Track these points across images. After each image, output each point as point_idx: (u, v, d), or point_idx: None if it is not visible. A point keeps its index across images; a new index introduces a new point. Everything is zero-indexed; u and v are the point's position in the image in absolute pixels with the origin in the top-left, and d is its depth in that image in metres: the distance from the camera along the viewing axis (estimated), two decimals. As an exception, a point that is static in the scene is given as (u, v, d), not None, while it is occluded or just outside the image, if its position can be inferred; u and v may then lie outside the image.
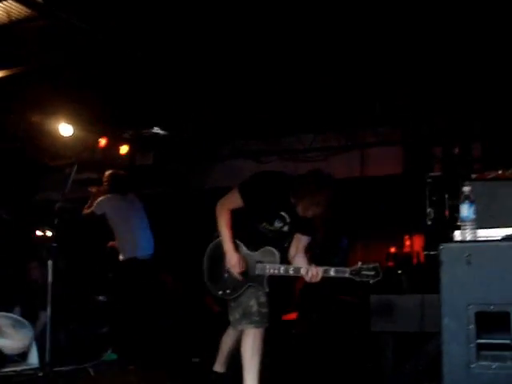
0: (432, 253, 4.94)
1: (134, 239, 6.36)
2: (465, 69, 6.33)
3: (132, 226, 6.41)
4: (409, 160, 7.67)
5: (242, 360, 3.89)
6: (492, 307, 2.74)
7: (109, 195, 6.47)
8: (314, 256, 7.76)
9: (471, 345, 2.74)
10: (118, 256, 6.41)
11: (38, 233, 8.48)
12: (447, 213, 4.91)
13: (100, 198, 6.44)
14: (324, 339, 6.46)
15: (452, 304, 2.81)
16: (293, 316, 7.90)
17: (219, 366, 4.32)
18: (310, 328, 7.26)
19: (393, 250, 8.90)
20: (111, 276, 6.85)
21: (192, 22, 5.32)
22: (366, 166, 8.83)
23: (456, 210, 4.24)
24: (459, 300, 2.79)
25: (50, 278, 5.09)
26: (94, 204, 6.43)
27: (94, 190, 6.64)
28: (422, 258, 7.51)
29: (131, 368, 5.64)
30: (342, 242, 7.54)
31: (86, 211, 6.52)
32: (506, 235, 2.93)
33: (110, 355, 5.99)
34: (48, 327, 5.02)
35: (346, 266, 7.82)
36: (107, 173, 6.63)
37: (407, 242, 8.60)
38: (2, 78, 6.23)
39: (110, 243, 6.63)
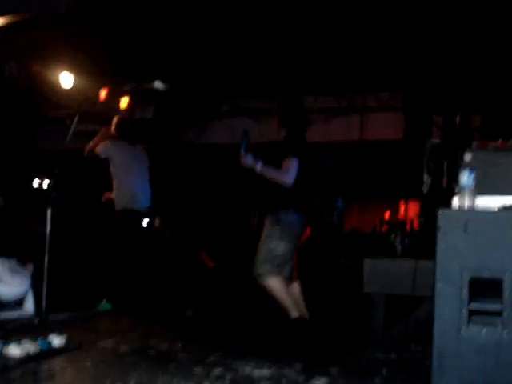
0: (426, 220, 5.01)
1: (132, 191, 6.30)
2: (466, 38, 6.32)
3: (133, 177, 6.34)
4: (409, 126, 7.67)
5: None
6: (486, 274, 2.80)
7: (117, 141, 6.39)
8: (313, 208, 7.83)
9: (463, 310, 2.80)
10: (112, 206, 6.38)
11: (36, 182, 8.50)
12: (445, 181, 4.95)
13: (107, 142, 6.34)
14: (318, 299, 6.55)
15: (446, 269, 2.86)
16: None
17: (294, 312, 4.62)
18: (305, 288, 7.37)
19: (387, 215, 8.99)
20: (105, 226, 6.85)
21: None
22: (365, 130, 8.85)
23: (453, 179, 4.29)
24: (454, 265, 2.85)
25: (48, 227, 5.13)
26: (100, 145, 6.32)
27: (103, 128, 6.55)
28: (415, 225, 7.57)
29: (125, 318, 5.73)
30: (337, 201, 7.61)
31: (90, 149, 6.39)
32: (504, 205, 2.96)
33: (104, 305, 6.06)
34: (45, 275, 5.08)
35: (341, 224, 7.94)
36: (116, 118, 6.54)
37: (402, 209, 8.67)
38: (2, 25, 6.15)
39: (106, 195, 6.58)
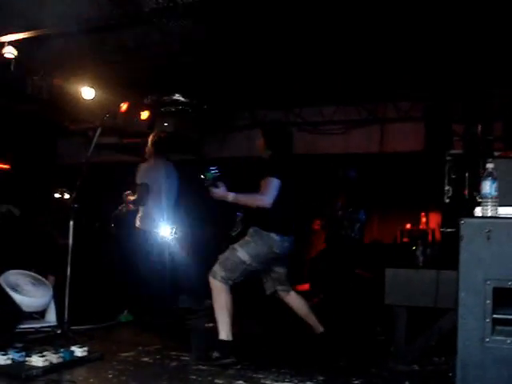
0: (448, 230, 4.97)
1: (154, 217, 6.29)
2: (487, 46, 6.28)
3: (157, 203, 6.31)
4: (430, 137, 7.62)
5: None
6: (510, 283, 2.77)
7: (150, 162, 6.39)
8: (332, 221, 7.81)
9: (487, 319, 2.78)
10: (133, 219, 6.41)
11: (57, 195, 8.55)
12: (466, 191, 4.92)
13: (140, 168, 6.35)
14: (337, 311, 6.52)
15: (470, 279, 2.84)
16: (305, 287, 7.99)
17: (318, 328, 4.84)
18: (323, 300, 7.34)
19: (408, 226, 8.94)
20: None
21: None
22: (385, 142, 8.82)
23: (475, 189, 4.26)
24: (477, 275, 2.82)
25: (70, 239, 5.17)
26: (138, 172, 6.34)
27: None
28: (437, 236, 7.51)
29: (146, 330, 5.74)
30: (360, 214, 7.57)
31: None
32: (527, 213, 2.94)
33: (126, 316, 6.09)
34: (67, 286, 5.11)
35: (362, 236, 7.91)
36: (152, 136, 6.56)
37: (423, 219, 8.61)
38: (27, 39, 6.23)
39: (127, 193, 6.55)
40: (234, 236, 4.78)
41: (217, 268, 4.58)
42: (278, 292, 4.92)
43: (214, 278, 4.55)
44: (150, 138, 6.53)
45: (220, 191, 4.53)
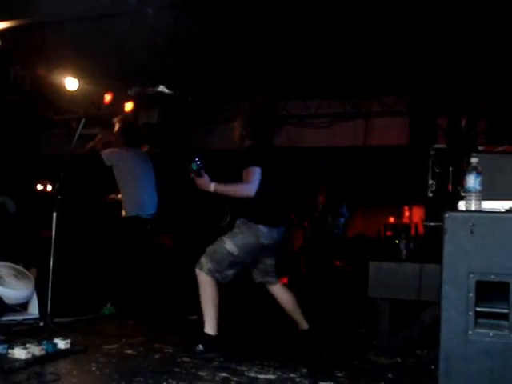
0: (432, 224, 5.00)
1: (138, 198, 6.33)
2: (472, 42, 6.31)
3: (138, 185, 6.36)
4: (414, 131, 7.66)
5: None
6: (493, 277, 2.79)
7: (123, 148, 6.37)
8: (314, 219, 7.86)
9: (470, 312, 2.80)
10: (118, 210, 6.40)
11: (39, 186, 8.50)
12: (450, 185, 4.95)
13: (113, 150, 6.34)
14: (317, 304, 6.54)
15: (453, 272, 2.86)
16: (283, 280, 8.01)
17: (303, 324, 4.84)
18: (302, 293, 7.36)
19: (392, 219, 9.00)
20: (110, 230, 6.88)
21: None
22: (370, 135, 8.84)
23: (459, 183, 4.28)
24: (461, 268, 2.84)
25: (53, 231, 5.13)
26: (105, 153, 6.31)
27: (103, 131, 6.51)
28: (420, 229, 7.57)
29: (130, 323, 5.73)
30: (343, 209, 7.60)
31: (90, 147, 6.44)
32: (510, 207, 2.96)
33: (108, 309, 6.06)
34: (50, 279, 5.08)
35: (345, 231, 7.94)
36: (119, 121, 6.50)
37: (406, 213, 8.68)
38: (9, 28, 6.17)
39: (110, 196, 6.59)
40: (223, 227, 4.74)
41: (204, 260, 4.54)
42: (263, 283, 4.90)
43: (201, 269, 4.51)
44: (117, 126, 6.47)
45: (203, 181, 4.50)
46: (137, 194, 6.35)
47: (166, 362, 4.26)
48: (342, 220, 7.58)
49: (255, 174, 4.47)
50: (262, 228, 4.54)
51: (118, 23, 6.15)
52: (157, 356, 4.41)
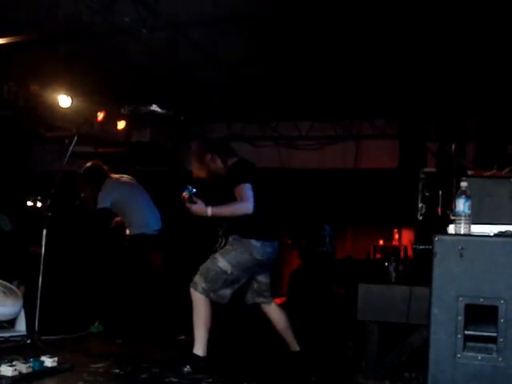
0: (421, 247, 5.02)
1: (141, 216, 6.33)
2: (461, 66, 6.40)
3: (137, 204, 6.38)
4: (404, 154, 7.72)
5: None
6: (481, 300, 2.81)
7: (107, 183, 6.35)
8: (301, 245, 7.88)
9: (459, 335, 2.81)
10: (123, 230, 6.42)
11: (29, 203, 8.46)
12: (439, 209, 4.98)
13: (100, 193, 6.28)
14: (309, 326, 6.53)
15: (442, 295, 2.87)
16: (279, 301, 7.99)
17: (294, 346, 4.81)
18: (297, 315, 7.35)
19: (381, 242, 9.02)
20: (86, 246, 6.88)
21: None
22: (360, 158, 8.90)
23: (448, 207, 4.31)
24: (450, 291, 2.86)
25: (42, 248, 5.11)
26: (98, 200, 6.27)
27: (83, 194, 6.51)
28: (409, 252, 7.58)
29: (118, 341, 5.70)
30: (324, 230, 7.62)
31: (93, 208, 6.34)
32: (499, 231, 2.99)
33: (96, 327, 6.03)
34: (38, 296, 5.05)
35: (333, 253, 7.94)
36: (88, 167, 6.46)
37: (396, 236, 8.70)
38: (3, 45, 6.19)
39: (116, 219, 6.60)
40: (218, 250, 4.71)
41: (198, 279, 4.50)
42: (257, 304, 4.85)
43: (196, 289, 4.47)
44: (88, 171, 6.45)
45: (198, 207, 4.47)
46: (138, 212, 6.34)
47: (153, 381, 4.23)
48: (327, 239, 7.59)
49: (248, 191, 4.45)
50: (255, 242, 4.51)
51: (113, 42, 6.20)
52: (144, 375, 4.37)
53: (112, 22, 5.61)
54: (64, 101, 7.31)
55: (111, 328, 6.02)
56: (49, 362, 4.22)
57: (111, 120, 8.20)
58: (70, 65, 6.77)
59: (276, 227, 4.86)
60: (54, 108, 7.43)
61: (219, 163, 4.83)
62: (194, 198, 4.45)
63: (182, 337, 5.88)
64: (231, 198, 4.53)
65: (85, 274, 6.85)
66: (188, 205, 4.47)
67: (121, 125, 8.31)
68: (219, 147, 4.88)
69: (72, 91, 7.36)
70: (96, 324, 6.04)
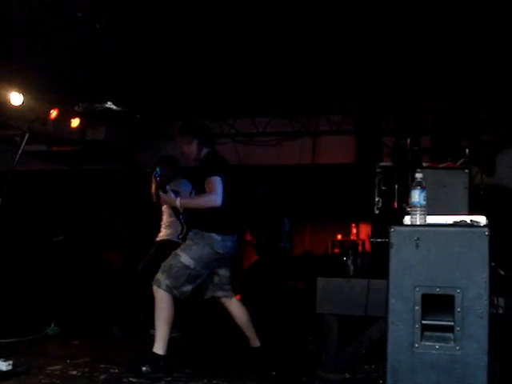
0: (378, 240, 5.06)
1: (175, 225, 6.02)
2: (417, 61, 6.47)
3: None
4: (361, 149, 7.78)
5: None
6: (438, 290, 2.83)
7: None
8: (259, 241, 7.85)
9: (416, 325, 2.83)
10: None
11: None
12: (395, 203, 5.03)
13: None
14: (267, 321, 6.53)
15: (399, 285, 2.89)
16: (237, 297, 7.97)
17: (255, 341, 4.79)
18: (254, 311, 7.34)
19: (339, 237, 9.08)
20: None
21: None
22: (317, 154, 8.94)
23: (404, 200, 4.35)
24: (406, 282, 2.88)
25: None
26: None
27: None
28: (367, 246, 7.65)
29: (75, 343, 5.61)
30: (284, 225, 7.62)
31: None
32: (454, 221, 3.02)
33: (53, 329, 5.92)
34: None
35: (291, 248, 7.94)
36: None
37: (354, 230, 8.76)
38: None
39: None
40: (181, 239, 4.68)
41: (160, 276, 4.46)
42: (218, 298, 4.83)
43: (159, 286, 4.42)
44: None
45: (168, 197, 4.51)
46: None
47: (112, 382, 4.18)
48: (284, 235, 7.59)
49: (218, 183, 4.44)
50: (216, 236, 4.50)
51: (66, 37, 6.08)
52: (102, 377, 4.31)
53: (63, 17, 5.51)
54: (15, 98, 7.14)
55: (67, 329, 5.93)
56: (3, 365, 4.13)
57: (65, 118, 8.04)
58: (21, 62, 6.62)
59: (236, 222, 4.84)
60: (5, 106, 7.24)
61: (193, 148, 4.80)
62: (166, 188, 4.44)
63: (142, 335, 5.82)
64: (201, 189, 4.51)
65: (39, 275, 6.74)
66: (160, 194, 4.48)
67: (75, 123, 8.16)
68: (199, 132, 4.84)
69: (24, 89, 7.19)
70: (52, 325, 5.93)
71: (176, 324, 4.73)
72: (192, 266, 4.46)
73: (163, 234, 6.10)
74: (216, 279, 4.78)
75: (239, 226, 4.95)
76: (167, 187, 4.50)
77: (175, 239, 5.61)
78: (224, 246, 4.55)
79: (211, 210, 4.44)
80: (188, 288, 4.49)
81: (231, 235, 4.63)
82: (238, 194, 4.84)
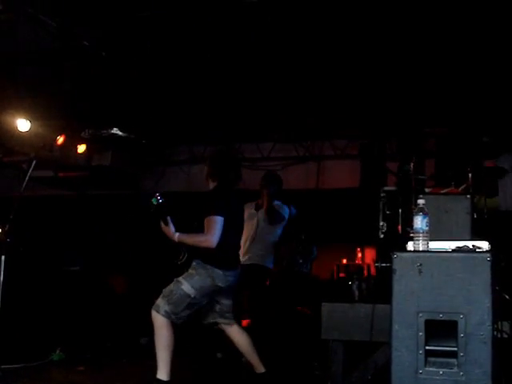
0: (383, 265, 5.06)
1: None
2: (419, 86, 6.53)
3: None
4: (365, 174, 7.81)
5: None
6: (441, 315, 2.84)
7: None
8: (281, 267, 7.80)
9: (420, 351, 2.83)
10: None
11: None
12: (400, 227, 5.04)
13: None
14: (274, 347, 6.50)
15: (402, 311, 2.90)
16: (244, 323, 7.94)
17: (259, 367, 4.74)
18: (262, 336, 7.30)
19: (344, 261, 9.07)
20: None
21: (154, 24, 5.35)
22: (322, 178, 8.97)
23: (408, 224, 4.37)
24: (410, 308, 2.89)
25: (1, 275, 5.00)
26: None
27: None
28: (372, 270, 7.64)
29: (80, 368, 5.60)
30: (312, 253, 7.57)
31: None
32: (457, 247, 3.03)
33: (58, 355, 5.92)
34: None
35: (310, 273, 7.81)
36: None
37: (359, 254, 8.76)
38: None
39: None
40: (179, 264, 4.68)
41: (160, 302, 4.46)
42: (219, 324, 4.82)
43: (158, 311, 4.42)
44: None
45: (167, 229, 4.52)
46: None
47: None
48: (310, 261, 7.54)
49: (217, 225, 4.44)
50: (218, 271, 4.53)
51: (72, 65, 6.17)
52: (107, 402, 4.31)
53: (69, 45, 5.60)
54: (23, 125, 7.23)
55: (73, 355, 5.92)
56: (8, 391, 4.13)
57: (71, 144, 8.13)
58: (28, 88, 6.72)
59: (238, 255, 4.87)
60: (13, 132, 7.33)
61: (205, 174, 4.83)
62: (167, 219, 4.49)
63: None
64: (201, 223, 4.51)
65: (44, 301, 6.75)
66: (162, 225, 4.51)
67: (81, 148, 8.25)
68: (215, 161, 4.83)
69: (31, 115, 7.28)
70: (57, 351, 5.93)
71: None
72: (192, 295, 4.47)
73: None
74: (217, 307, 4.77)
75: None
76: (167, 218, 4.52)
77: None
78: (225, 280, 4.57)
79: (216, 246, 4.45)
80: (185, 314, 4.50)
81: (233, 270, 4.65)
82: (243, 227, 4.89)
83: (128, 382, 5.04)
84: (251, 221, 6.09)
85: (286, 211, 6.20)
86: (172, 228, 4.53)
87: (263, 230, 6.13)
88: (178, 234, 4.52)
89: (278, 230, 6.20)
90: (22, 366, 5.36)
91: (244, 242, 5.89)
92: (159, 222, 4.53)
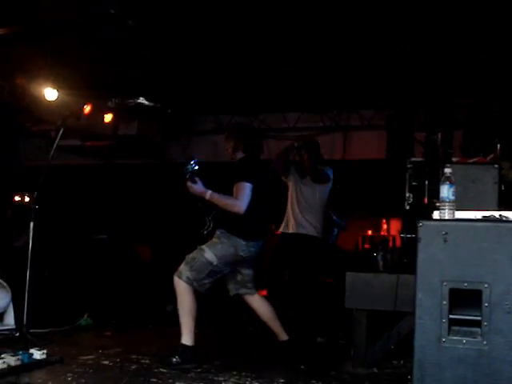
0: (408, 236, 5.04)
1: None
2: (448, 57, 6.42)
3: None
4: (392, 145, 7.74)
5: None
6: (466, 285, 2.83)
7: None
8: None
9: (444, 320, 2.83)
10: None
11: (17, 198, 8.45)
12: (426, 198, 5.00)
13: None
14: (298, 316, 6.54)
15: (427, 280, 2.89)
16: (263, 293, 7.99)
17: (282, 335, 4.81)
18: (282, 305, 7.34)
19: (370, 232, 9.06)
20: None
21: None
22: (348, 149, 8.92)
23: (435, 196, 4.33)
24: (434, 276, 2.87)
25: (30, 241, 5.09)
26: None
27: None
28: (397, 242, 7.61)
29: (107, 334, 5.71)
30: (343, 220, 7.47)
31: None
32: (483, 216, 3.01)
33: (86, 320, 6.03)
34: (26, 289, 5.04)
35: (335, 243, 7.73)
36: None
37: (384, 226, 8.74)
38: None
39: None
40: (204, 234, 4.72)
41: (183, 268, 4.52)
42: (241, 295, 4.88)
43: (180, 277, 4.49)
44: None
45: (197, 187, 4.53)
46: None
47: (142, 372, 4.24)
48: (336, 230, 7.43)
49: (246, 190, 4.49)
50: (241, 241, 4.57)
51: (99, 34, 6.17)
52: (133, 367, 4.39)
53: (97, 14, 5.60)
54: (50, 94, 7.28)
55: (100, 320, 6.03)
56: (38, 354, 4.23)
57: (98, 113, 8.16)
58: (56, 58, 6.74)
59: (263, 227, 4.88)
60: (40, 101, 7.39)
61: (229, 148, 4.85)
62: (195, 178, 4.50)
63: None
64: (230, 191, 4.56)
65: (74, 267, 6.86)
66: (189, 184, 4.50)
67: (108, 118, 8.28)
68: (239, 134, 4.87)
69: (58, 84, 7.33)
70: (85, 317, 6.05)
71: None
72: (215, 263, 4.52)
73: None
74: (239, 277, 4.83)
75: (265, 230, 4.96)
76: (196, 178, 4.54)
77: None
78: (248, 250, 4.62)
79: (238, 216, 4.49)
80: (207, 281, 4.55)
81: (256, 241, 4.68)
82: (271, 198, 4.87)
83: (153, 347, 5.11)
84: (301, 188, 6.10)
85: (330, 171, 6.14)
86: (201, 185, 4.54)
87: (312, 195, 6.11)
88: (210, 191, 4.54)
89: (325, 192, 6.17)
90: (50, 331, 5.49)
91: (291, 210, 6.03)
92: (190, 184, 4.53)
